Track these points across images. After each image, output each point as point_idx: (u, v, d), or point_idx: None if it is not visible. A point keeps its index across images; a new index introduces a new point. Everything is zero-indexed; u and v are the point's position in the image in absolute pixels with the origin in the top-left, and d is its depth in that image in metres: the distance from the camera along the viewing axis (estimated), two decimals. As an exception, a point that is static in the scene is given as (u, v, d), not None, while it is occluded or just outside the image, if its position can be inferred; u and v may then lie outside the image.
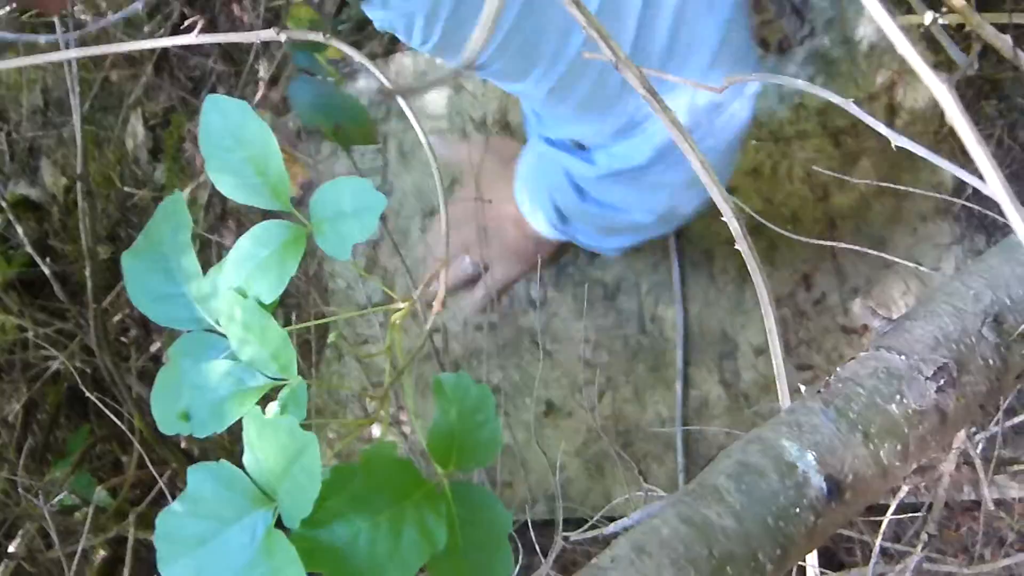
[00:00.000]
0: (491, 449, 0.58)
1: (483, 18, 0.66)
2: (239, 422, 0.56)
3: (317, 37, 0.54)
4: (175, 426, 0.58)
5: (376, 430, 1.93)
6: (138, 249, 0.63)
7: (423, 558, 0.53)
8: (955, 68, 0.96)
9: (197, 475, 0.55)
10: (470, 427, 0.57)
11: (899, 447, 0.60)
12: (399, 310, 0.56)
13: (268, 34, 0.51)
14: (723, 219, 0.64)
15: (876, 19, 0.39)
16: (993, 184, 0.39)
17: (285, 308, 2.09)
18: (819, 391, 0.62)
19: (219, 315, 0.57)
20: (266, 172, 0.56)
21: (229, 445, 1.81)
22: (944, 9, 1.47)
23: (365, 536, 0.52)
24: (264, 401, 0.55)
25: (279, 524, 0.53)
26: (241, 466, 0.56)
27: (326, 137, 0.79)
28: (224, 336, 0.57)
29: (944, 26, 1.41)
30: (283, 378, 0.56)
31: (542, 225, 1.47)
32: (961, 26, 1.47)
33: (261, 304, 0.55)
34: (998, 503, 1.45)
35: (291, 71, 2.11)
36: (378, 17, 0.90)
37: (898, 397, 0.61)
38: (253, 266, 0.56)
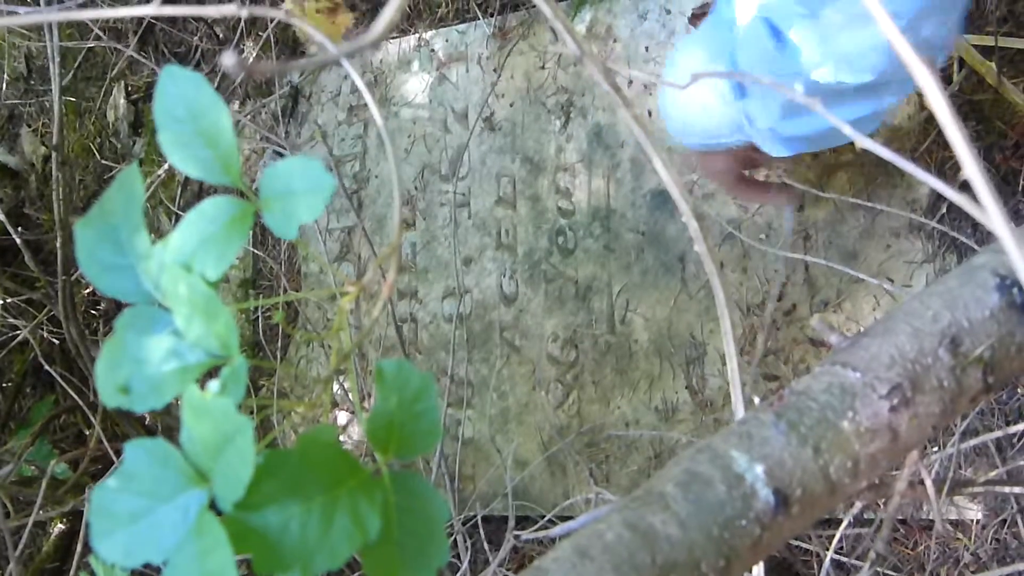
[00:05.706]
0: (430, 438, 0.57)
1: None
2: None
3: (278, 14, 0.53)
4: (116, 399, 0.57)
5: (342, 417, 1.93)
6: (92, 219, 0.62)
7: (354, 546, 0.52)
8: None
9: (133, 451, 0.54)
10: (410, 415, 0.57)
11: (849, 464, 0.60)
12: (351, 294, 0.55)
13: (229, 9, 0.50)
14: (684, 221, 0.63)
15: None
16: (973, 176, 0.39)
17: (257, 290, 2.08)
18: (772, 403, 0.61)
19: (164, 290, 0.56)
20: (217, 146, 0.55)
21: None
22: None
23: (296, 522, 0.52)
24: (206, 379, 0.55)
25: (213, 506, 0.52)
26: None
27: None
28: (169, 312, 0.56)
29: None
30: (225, 356, 0.55)
31: (726, 104, 1.25)
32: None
33: (206, 280, 0.54)
34: (955, 524, 1.45)
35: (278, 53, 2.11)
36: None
37: (850, 414, 0.60)
38: (198, 241, 0.55)
